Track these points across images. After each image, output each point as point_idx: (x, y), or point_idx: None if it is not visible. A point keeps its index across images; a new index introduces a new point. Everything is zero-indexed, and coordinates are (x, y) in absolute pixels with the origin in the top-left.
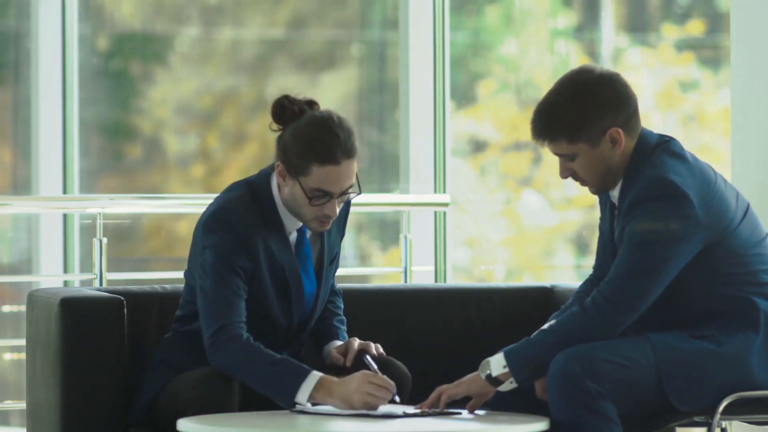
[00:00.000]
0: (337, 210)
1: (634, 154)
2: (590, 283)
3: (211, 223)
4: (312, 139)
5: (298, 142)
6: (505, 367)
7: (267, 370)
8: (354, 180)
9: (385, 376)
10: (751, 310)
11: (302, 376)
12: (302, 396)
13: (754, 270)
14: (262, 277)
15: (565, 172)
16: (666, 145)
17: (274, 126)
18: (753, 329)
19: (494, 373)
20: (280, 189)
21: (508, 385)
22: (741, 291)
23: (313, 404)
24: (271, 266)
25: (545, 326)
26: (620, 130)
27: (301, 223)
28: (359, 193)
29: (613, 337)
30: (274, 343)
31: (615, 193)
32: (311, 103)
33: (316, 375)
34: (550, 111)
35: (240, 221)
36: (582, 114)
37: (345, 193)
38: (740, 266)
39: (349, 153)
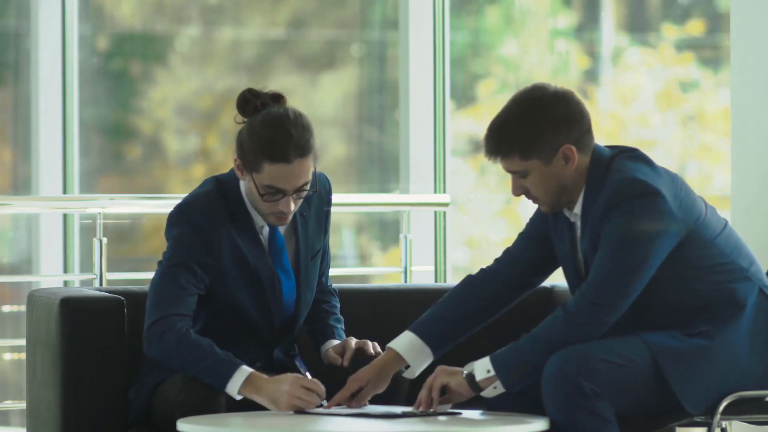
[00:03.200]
0: (293, 206)
1: (591, 169)
2: (500, 266)
3: (173, 217)
4: (264, 136)
5: (251, 138)
6: (489, 371)
7: (197, 365)
8: (309, 177)
9: (316, 380)
10: (735, 297)
11: (230, 373)
12: (231, 391)
13: (730, 260)
14: (228, 274)
15: (518, 190)
16: (626, 153)
17: (239, 118)
18: (741, 315)
19: (477, 377)
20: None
21: (492, 391)
22: (722, 282)
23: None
24: (239, 262)
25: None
26: (573, 147)
27: None
28: (315, 191)
29: (599, 337)
30: (260, 345)
31: (576, 211)
32: (277, 97)
33: (244, 371)
34: (502, 127)
35: (202, 216)
36: (534, 130)
37: (300, 190)
38: (716, 256)
39: (302, 152)
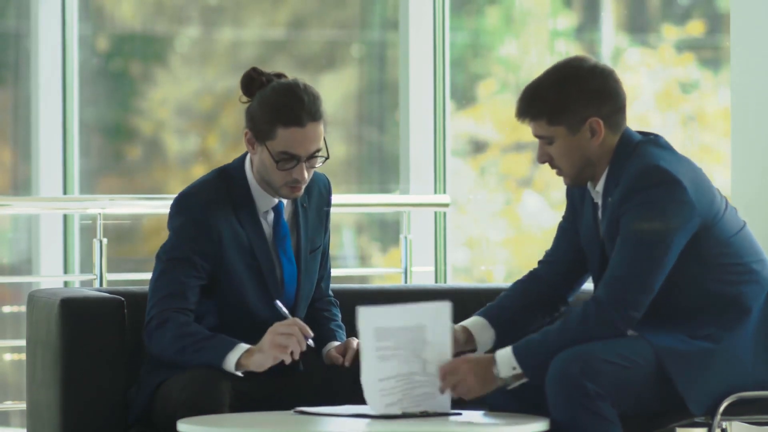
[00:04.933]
0: (306, 175)
1: (618, 150)
2: (543, 267)
3: (173, 208)
4: (277, 102)
5: (263, 107)
6: (515, 368)
7: (197, 344)
8: (321, 144)
9: (296, 319)
10: (742, 300)
11: (230, 347)
12: (230, 362)
13: (744, 261)
14: (229, 260)
15: (543, 157)
16: (651, 139)
17: (243, 98)
18: (747, 318)
19: (502, 374)
20: (252, 161)
21: (513, 381)
22: (733, 283)
23: (243, 372)
24: (239, 247)
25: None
26: (601, 122)
27: (276, 201)
28: (327, 158)
29: (624, 333)
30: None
31: (599, 189)
32: (280, 76)
33: (244, 346)
34: (535, 90)
35: (200, 205)
36: (566, 97)
37: (312, 156)
38: (731, 256)
39: (314, 116)
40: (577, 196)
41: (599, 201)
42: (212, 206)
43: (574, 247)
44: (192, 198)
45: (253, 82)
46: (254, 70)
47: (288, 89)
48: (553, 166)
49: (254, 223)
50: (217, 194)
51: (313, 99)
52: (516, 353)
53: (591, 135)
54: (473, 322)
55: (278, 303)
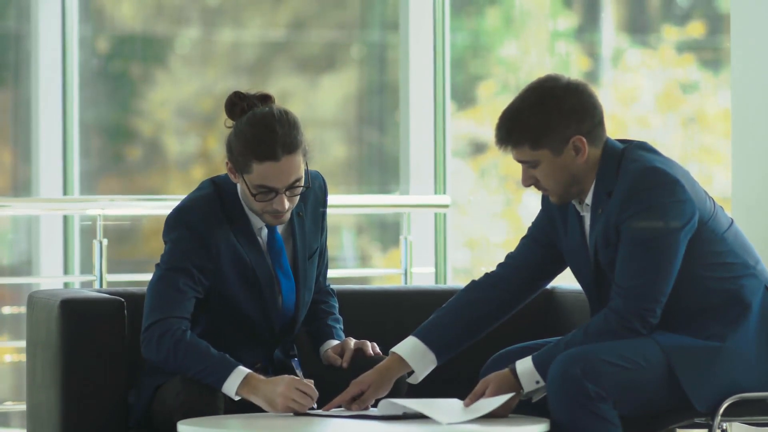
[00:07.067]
0: (287, 203)
1: (603, 161)
2: (504, 270)
3: (171, 221)
4: (250, 136)
5: (238, 140)
6: (538, 382)
7: (195, 367)
8: (300, 174)
9: (310, 383)
10: (742, 295)
11: (227, 373)
12: (229, 391)
13: (739, 256)
14: (227, 277)
15: (528, 180)
16: (637, 144)
17: (228, 122)
18: (748, 314)
19: (526, 389)
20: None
21: (537, 394)
22: (731, 279)
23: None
24: (237, 264)
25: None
26: (584, 139)
27: None
28: (308, 187)
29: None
30: (260, 347)
31: (588, 202)
32: (265, 98)
33: (241, 372)
34: (513, 116)
35: (200, 220)
36: (546, 120)
37: (292, 187)
38: (726, 254)
39: (289, 148)
40: (556, 210)
41: (587, 213)
42: (209, 222)
43: (541, 255)
44: (190, 212)
45: (235, 107)
46: (236, 94)
47: (262, 122)
48: (539, 188)
49: (250, 238)
50: (213, 210)
51: (288, 130)
52: (538, 367)
53: (575, 153)
54: (411, 349)
55: (295, 362)
